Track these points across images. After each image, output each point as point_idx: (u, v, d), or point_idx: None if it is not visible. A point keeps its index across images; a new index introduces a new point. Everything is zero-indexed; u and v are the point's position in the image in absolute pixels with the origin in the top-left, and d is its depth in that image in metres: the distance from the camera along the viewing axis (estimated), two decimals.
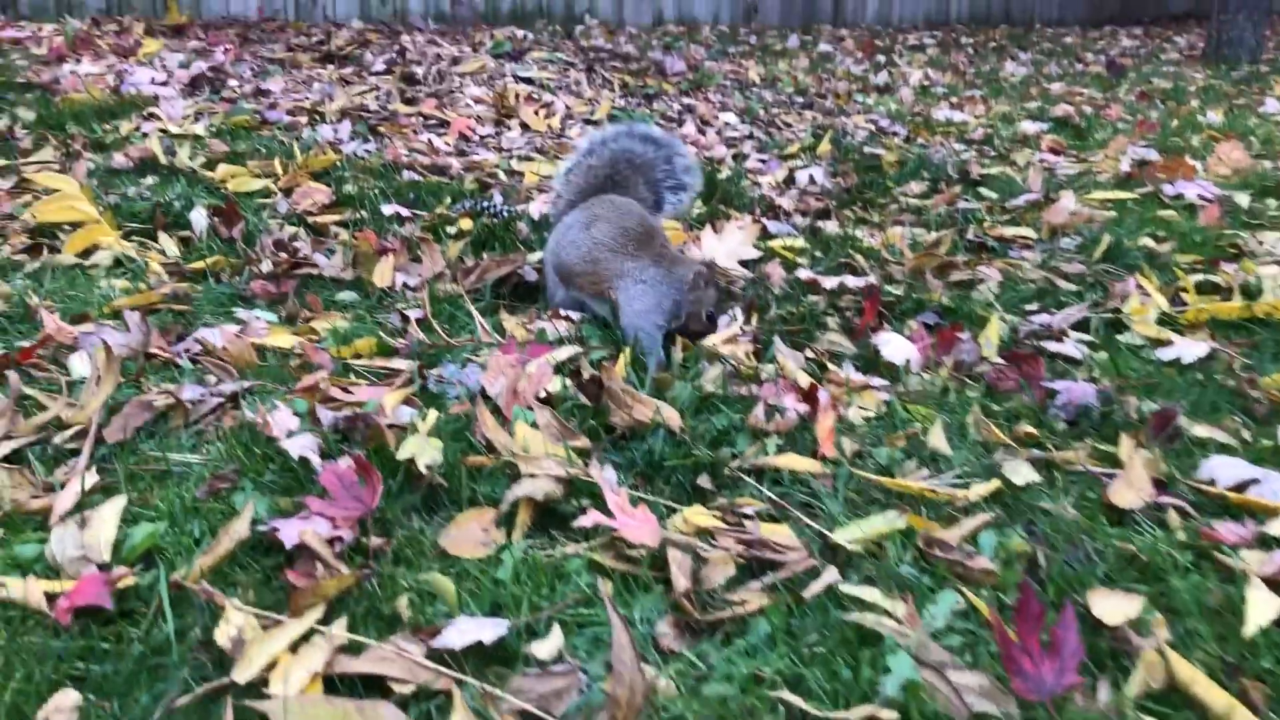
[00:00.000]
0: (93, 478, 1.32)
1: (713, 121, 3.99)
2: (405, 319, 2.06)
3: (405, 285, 2.29)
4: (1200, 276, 2.52)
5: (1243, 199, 3.27)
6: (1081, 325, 2.27)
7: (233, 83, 3.89)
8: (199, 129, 3.40)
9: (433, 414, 1.53)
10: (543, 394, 1.66)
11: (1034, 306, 2.40)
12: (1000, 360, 1.99)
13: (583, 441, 1.49)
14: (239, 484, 1.34)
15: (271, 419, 1.45)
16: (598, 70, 4.31)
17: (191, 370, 1.77)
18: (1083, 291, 2.50)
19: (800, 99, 4.73)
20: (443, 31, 4.99)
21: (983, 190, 3.51)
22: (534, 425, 1.51)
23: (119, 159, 3.03)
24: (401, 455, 1.34)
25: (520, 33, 5.00)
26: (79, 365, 1.70)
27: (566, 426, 1.50)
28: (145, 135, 3.27)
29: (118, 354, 1.75)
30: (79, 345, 1.78)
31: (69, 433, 1.43)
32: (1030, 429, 1.71)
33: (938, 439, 1.65)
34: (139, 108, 3.53)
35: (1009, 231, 2.99)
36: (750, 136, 3.98)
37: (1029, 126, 4.52)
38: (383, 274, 2.26)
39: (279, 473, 1.37)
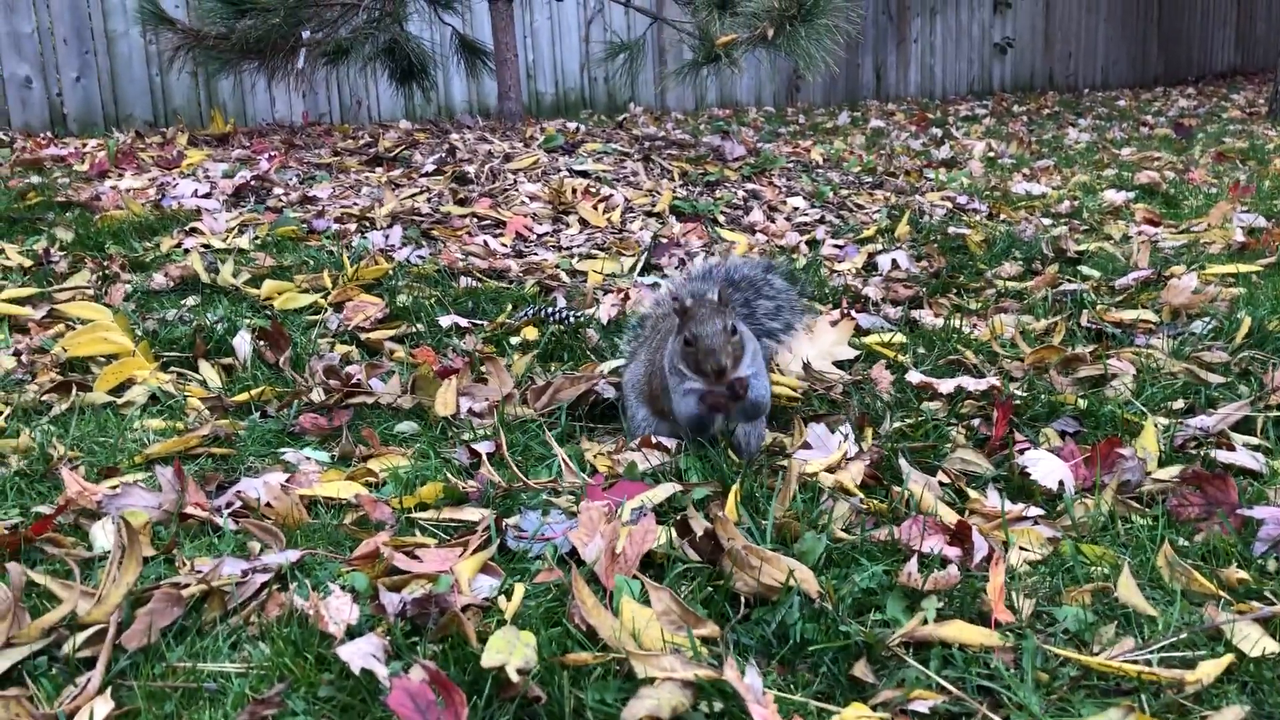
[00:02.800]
0: (106, 706, 1.06)
1: (780, 207, 3.76)
2: (475, 454, 1.80)
3: (470, 411, 2.04)
4: None
5: None
6: (1242, 425, 1.97)
7: (278, 191, 3.73)
8: (243, 242, 3.22)
9: (519, 590, 1.26)
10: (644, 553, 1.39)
11: (1180, 405, 2.10)
12: (1173, 479, 1.69)
13: (708, 626, 1.20)
14: (288, 705, 1.07)
15: (325, 608, 1.19)
16: (654, 159, 4.11)
17: (232, 535, 1.52)
18: (1233, 383, 2.19)
19: (869, 178, 4.49)
20: (491, 128, 4.83)
21: (1083, 269, 3.22)
22: (644, 601, 1.23)
23: (158, 279, 2.85)
24: (488, 661, 1.06)
25: (572, 125, 4.83)
26: (102, 537, 1.46)
27: (687, 609, 1.22)
28: (187, 251, 3.09)
29: (148, 517, 1.51)
30: (103, 508, 1.54)
31: (83, 635, 1.17)
32: (1240, 573, 1.40)
33: (1130, 591, 1.35)
34: (181, 222, 3.36)
35: (1126, 315, 2.70)
36: (822, 220, 3.74)
37: (1114, 196, 4.25)
38: (445, 400, 2.01)
39: (338, 685, 1.10)
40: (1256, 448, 1.87)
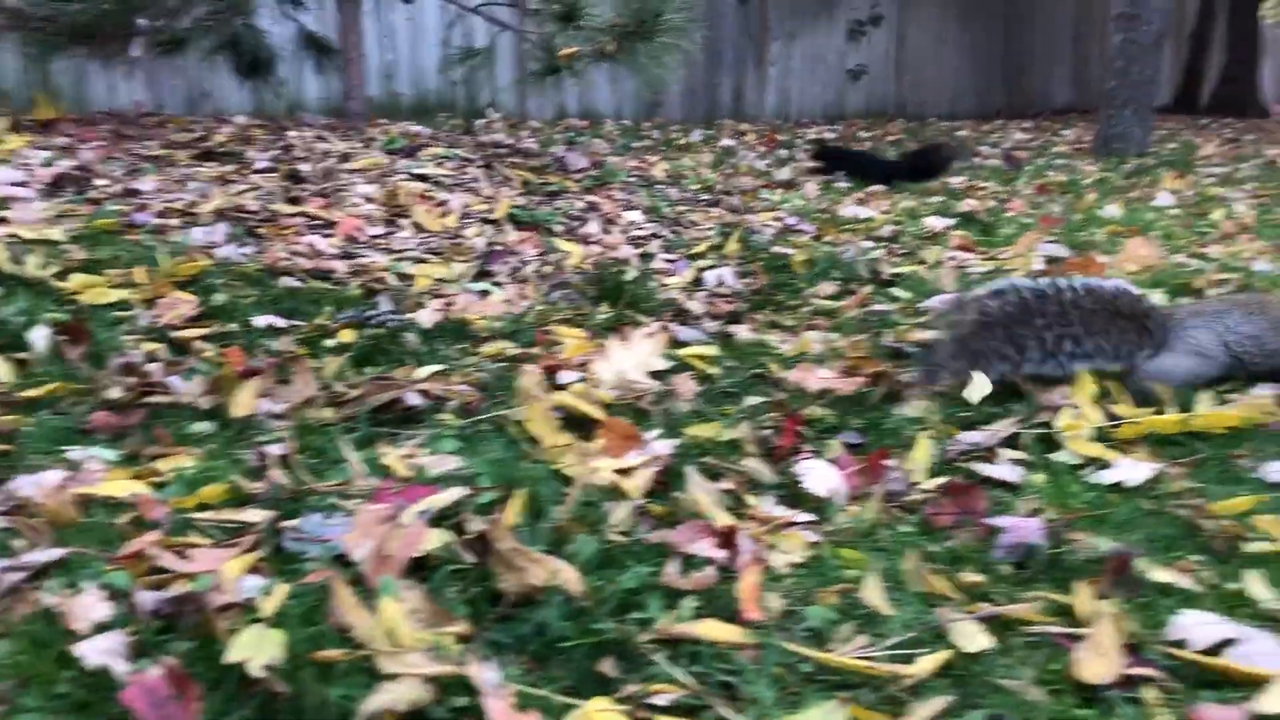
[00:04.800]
0: None
1: (617, 220, 3.83)
2: (264, 457, 1.80)
3: (270, 413, 2.03)
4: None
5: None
6: (1013, 441, 2.12)
7: (100, 182, 3.61)
8: (56, 233, 3.11)
9: (281, 590, 1.28)
10: (421, 554, 1.42)
11: (965, 420, 2.24)
12: (933, 490, 1.81)
13: (460, 624, 1.24)
14: (20, 702, 1.06)
15: (74, 605, 1.18)
16: (497, 167, 4.13)
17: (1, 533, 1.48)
18: (1009, 404, 2.35)
19: (706, 196, 4.62)
20: (334, 127, 4.77)
21: (895, 291, 3.39)
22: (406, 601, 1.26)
23: None
24: (231, 657, 1.08)
25: (415, 128, 4.81)
26: None
27: (438, 608, 1.25)
28: None
29: None
30: None
31: None
32: (976, 576, 1.52)
33: (873, 593, 1.45)
34: None
35: (926, 335, 2.86)
36: (657, 235, 3.83)
37: (935, 222, 4.47)
38: (243, 401, 1.99)
39: (79, 682, 1.10)
40: (1019, 461, 2.02)
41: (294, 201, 3.55)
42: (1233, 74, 14.90)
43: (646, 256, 3.59)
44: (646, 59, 3.83)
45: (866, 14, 13.14)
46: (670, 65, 3.94)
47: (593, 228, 3.72)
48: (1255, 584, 1.48)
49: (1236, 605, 1.44)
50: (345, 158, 3.98)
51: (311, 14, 5.59)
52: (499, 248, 3.41)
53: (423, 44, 8.95)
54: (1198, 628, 1.33)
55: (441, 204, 3.64)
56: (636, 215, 3.91)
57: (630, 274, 3.32)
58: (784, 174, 5.81)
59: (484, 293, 3.06)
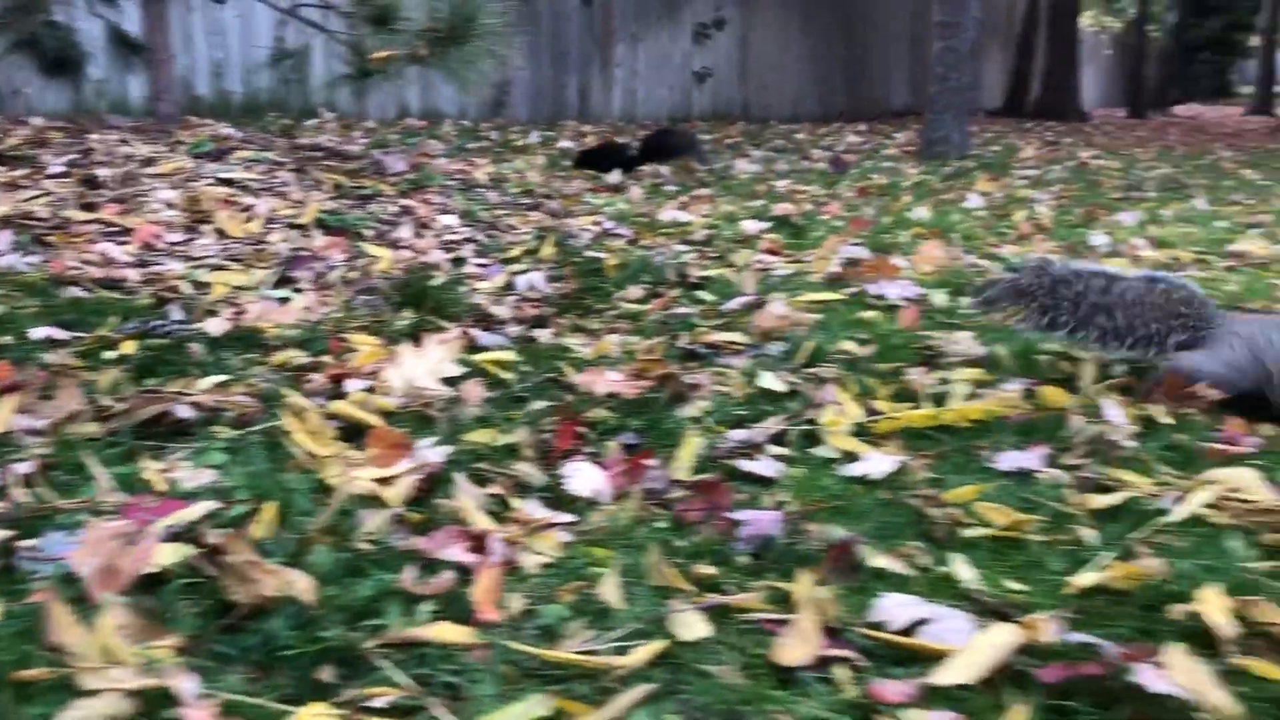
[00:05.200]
0: None
1: (432, 224, 3.84)
2: (6, 476, 1.76)
3: (30, 430, 1.98)
4: (898, 382, 2.55)
5: (940, 298, 3.40)
6: (781, 437, 2.23)
7: None
8: None
9: None
10: (157, 569, 1.42)
11: (742, 418, 2.35)
12: (690, 487, 1.90)
13: (174, 638, 1.26)
14: None
15: None
16: (309, 170, 4.08)
17: None
18: (786, 402, 2.47)
19: (528, 200, 4.66)
20: (141, 129, 4.63)
21: (701, 294, 3.50)
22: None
23: None
24: None
25: (228, 130, 4.70)
26: None
27: (151, 620, 1.26)
28: None
29: None
30: None
31: None
32: (709, 569, 1.60)
33: (610, 589, 1.52)
34: None
35: (721, 337, 2.97)
36: (471, 239, 3.85)
37: (751, 226, 4.62)
38: None
39: None
40: (783, 457, 2.13)
41: (88, 208, 3.44)
42: (1054, 80, 15.76)
43: (458, 261, 3.61)
44: (459, 64, 3.85)
45: (710, 17, 13.38)
46: (486, 70, 3.96)
47: (405, 232, 3.72)
48: (961, 567, 1.61)
49: (943, 587, 1.57)
50: (149, 162, 3.87)
51: (123, 11, 5.39)
52: (304, 253, 3.38)
53: (254, 41, 8.72)
54: (896, 609, 1.44)
55: (247, 209, 3.58)
56: (452, 219, 3.92)
57: (439, 279, 3.34)
58: (613, 177, 5.89)
59: (283, 300, 3.03)
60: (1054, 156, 10.06)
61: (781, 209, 5.05)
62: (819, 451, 2.15)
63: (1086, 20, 23.79)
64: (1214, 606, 1.46)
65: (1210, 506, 1.84)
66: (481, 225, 3.99)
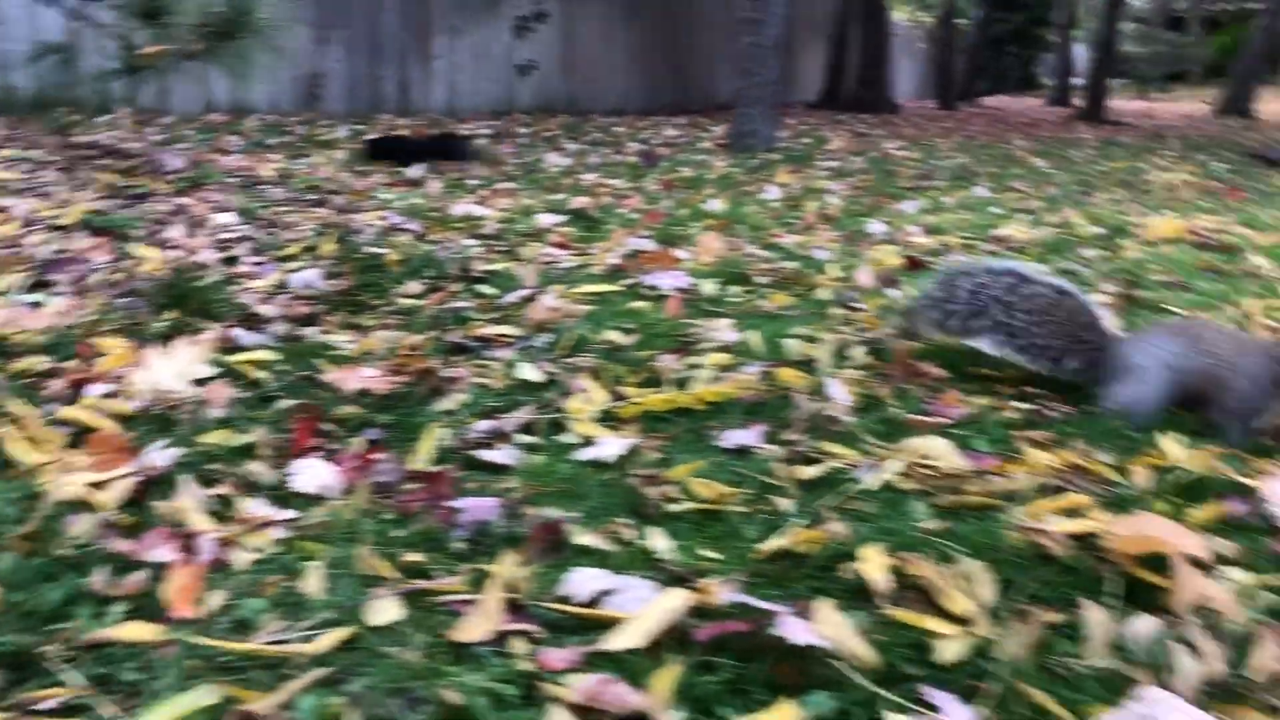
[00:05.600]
0: None
1: (206, 223, 3.76)
2: None
3: None
4: (649, 369, 2.65)
5: (710, 287, 3.54)
6: (530, 427, 2.30)
7: None
8: None
9: None
10: None
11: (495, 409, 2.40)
12: (420, 479, 1.95)
13: None
14: None
15: None
16: (79, 169, 3.94)
17: None
18: (542, 392, 2.54)
19: (313, 195, 4.61)
20: None
21: (483, 288, 3.54)
22: None
23: None
24: None
25: None
26: None
27: None
28: None
29: None
30: None
31: None
32: (420, 556, 1.66)
33: (312, 581, 1.56)
34: None
35: (493, 330, 3.02)
36: (248, 238, 3.79)
37: (546, 219, 4.68)
38: None
39: None
40: (529, 445, 2.20)
41: None
42: (866, 73, 16.38)
43: (231, 260, 3.55)
44: (235, 58, 3.78)
45: (530, 10, 13.36)
46: (263, 64, 3.90)
47: (176, 232, 3.63)
48: (659, 539, 1.72)
49: (639, 560, 1.67)
50: None
51: None
52: (64, 255, 3.26)
53: (44, 34, 8.27)
54: (583, 582, 1.53)
55: (2, 210, 3.43)
56: (229, 217, 3.85)
57: (206, 279, 3.28)
58: (414, 171, 5.87)
59: (35, 304, 2.93)
60: (860, 148, 10.49)
61: (580, 202, 5.13)
62: (562, 438, 2.23)
63: (900, 15, 24.83)
64: (873, 564, 1.60)
65: (901, 474, 2.00)
66: (261, 223, 3.93)
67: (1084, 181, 8.20)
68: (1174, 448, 2.14)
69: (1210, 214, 6.20)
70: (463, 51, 12.80)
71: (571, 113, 13.66)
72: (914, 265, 4.13)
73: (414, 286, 3.48)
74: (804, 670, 1.38)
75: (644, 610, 1.44)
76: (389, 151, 6.46)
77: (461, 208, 4.73)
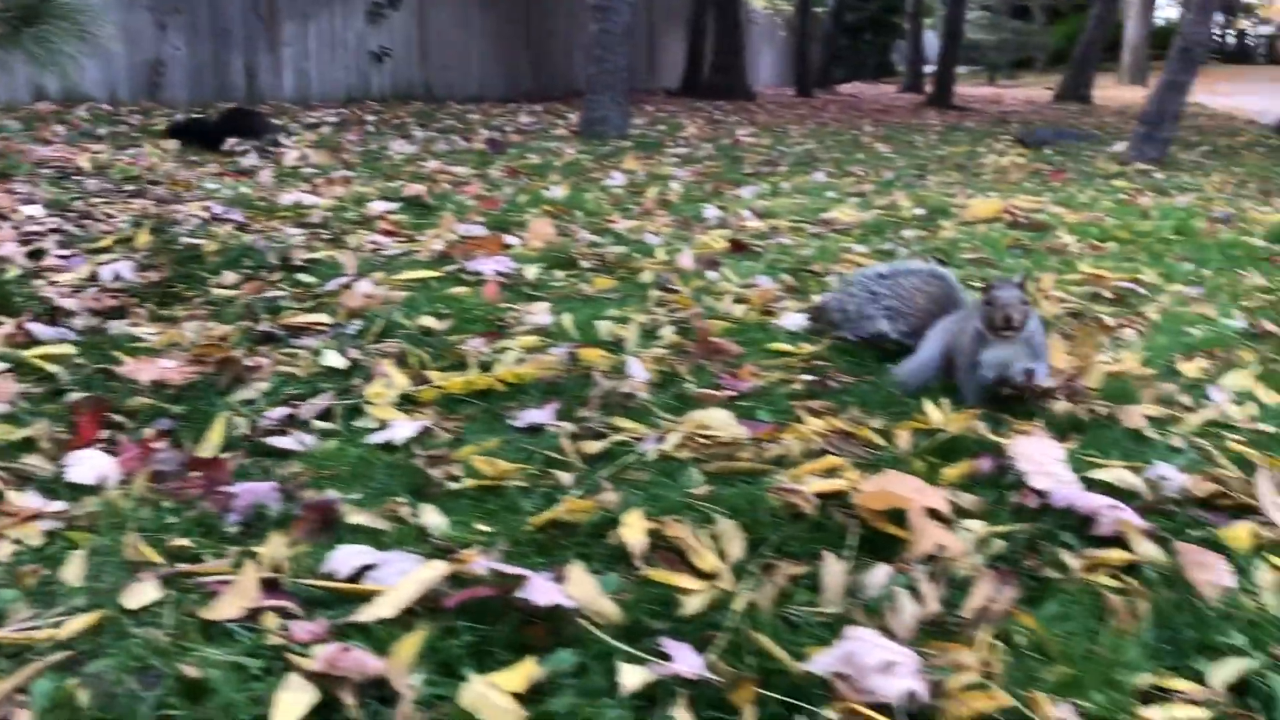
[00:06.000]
0: None
1: (11, 215, 3.63)
2: None
3: None
4: (458, 353, 2.69)
5: (533, 271, 3.59)
6: (329, 413, 2.31)
7: None
8: None
9: None
10: None
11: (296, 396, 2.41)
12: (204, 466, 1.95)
13: None
14: None
15: None
16: None
17: None
18: (347, 378, 2.55)
19: (132, 186, 4.48)
20: None
21: (304, 276, 3.51)
22: None
23: None
24: None
25: None
26: None
27: None
28: None
29: None
30: None
31: None
32: (188, 541, 1.67)
33: (72, 569, 1.55)
34: None
35: (306, 319, 3.01)
36: (57, 230, 3.68)
37: (379, 206, 4.66)
38: None
39: None
40: (323, 431, 2.21)
41: None
42: (723, 61, 16.64)
43: (37, 254, 3.44)
44: (38, 45, 3.64)
45: None
46: (72, 53, 3.77)
47: None
48: (433, 516, 1.76)
49: (411, 536, 1.71)
50: None
51: None
52: None
53: None
54: (346, 558, 1.57)
55: None
56: (37, 210, 3.72)
57: (7, 274, 3.18)
58: (249, 161, 5.75)
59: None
60: (712, 135, 10.68)
61: (416, 190, 5.12)
62: (359, 423, 2.25)
63: (759, 3, 25.27)
64: (633, 529, 1.68)
65: (680, 445, 2.09)
66: (73, 215, 3.81)
67: (921, 166, 8.53)
68: (936, 412, 2.29)
69: (1031, 195, 6.54)
70: (314, 38, 12.52)
71: (428, 100, 13.52)
72: (738, 248, 4.26)
73: (230, 277, 3.44)
74: (554, 630, 1.45)
75: (400, 582, 1.48)
76: (186, 131, 6.54)
77: (291, 196, 4.67)
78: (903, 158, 9.32)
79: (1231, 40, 42.40)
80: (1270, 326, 3.30)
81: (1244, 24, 42.33)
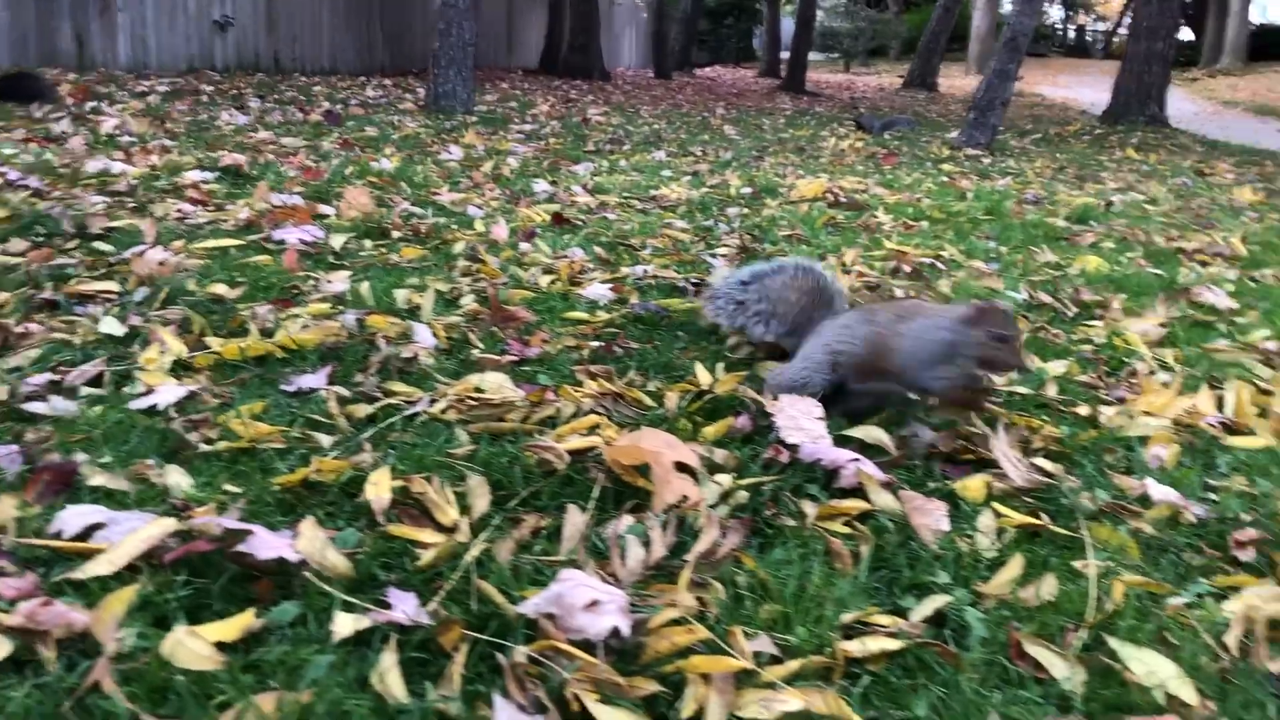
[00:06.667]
0: None
1: None
2: None
3: None
4: (243, 319, 2.64)
5: (339, 241, 3.55)
6: (99, 379, 2.25)
7: None
8: None
9: None
10: None
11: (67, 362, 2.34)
12: None
13: None
14: None
15: None
16: None
17: None
18: (125, 345, 2.49)
19: None
20: None
21: (101, 245, 3.39)
22: None
23: None
24: None
25: None
26: None
27: None
28: None
29: None
30: None
31: None
32: None
33: None
34: None
35: (95, 287, 2.91)
36: None
37: (194, 176, 4.52)
38: None
39: None
40: (91, 397, 2.15)
41: None
42: (579, 41, 16.62)
43: None
44: None
45: None
46: None
47: None
48: (178, 477, 1.75)
49: (156, 497, 1.69)
50: None
51: None
52: None
53: None
54: (74, 518, 1.54)
55: None
56: None
57: None
58: (62, 127, 5.50)
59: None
60: (564, 113, 10.70)
61: (236, 159, 4.98)
62: (128, 389, 2.20)
63: None
64: (379, 486, 1.70)
65: (451, 406, 2.11)
66: None
67: (763, 148, 8.73)
68: (705, 375, 2.37)
69: (859, 177, 6.78)
70: (151, 5, 11.99)
71: (274, 73, 13.13)
72: (560, 222, 4.29)
73: (18, 244, 3.29)
74: (282, 584, 1.46)
75: (123, 540, 1.47)
76: None
77: (99, 164, 4.49)
78: (747, 140, 9.52)
79: (1073, 34, 44.51)
80: (1046, 298, 3.51)
81: (1084, 19, 44.50)
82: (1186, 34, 36.16)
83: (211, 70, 12.35)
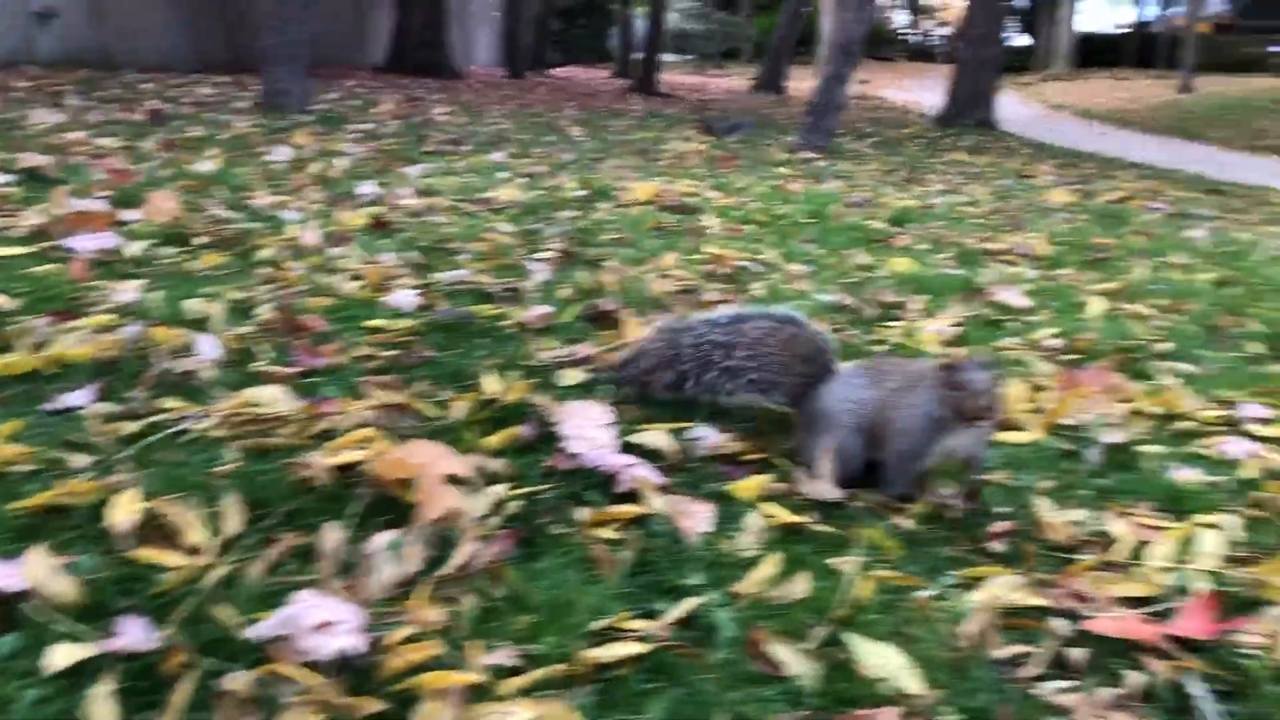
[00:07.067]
0: None
1: None
2: None
3: None
4: (9, 335, 2.52)
5: (137, 248, 3.41)
6: None
7: None
8: None
9: None
10: None
11: None
12: None
13: None
14: None
15: None
16: None
17: None
18: None
19: None
20: None
21: None
22: None
23: None
24: None
25: None
26: None
27: None
28: None
29: None
30: None
31: None
32: None
33: None
34: None
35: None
36: None
37: None
38: None
39: None
40: None
41: None
42: (427, 38, 16.40)
43: None
44: None
45: None
46: None
47: None
48: None
49: None
50: None
51: None
52: None
53: None
54: None
55: None
56: None
57: None
58: None
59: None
60: (407, 113, 10.52)
61: (39, 161, 4.73)
62: None
63: None
64: (122, 509, 1.64)
65: (222, 422, 2.06)
66: None
67: (604, 149, 8.78)
68: (493, 384, 2.37)
69: (695, 180, 6.88)
70: None
71: (101, 68, 12.51)
72: (379, 225, 4.23)
73: None
74: (6, 615, 1.40)
75: None
76: None
77: None
78: (592, 141, 9.56)
79: (917, 39, 46.21)
80: (848, 300, 3.63)
81: (927, 25, 46.26)
82: (1027, 40, 38.05)
83: (33, 65, 11.71)
